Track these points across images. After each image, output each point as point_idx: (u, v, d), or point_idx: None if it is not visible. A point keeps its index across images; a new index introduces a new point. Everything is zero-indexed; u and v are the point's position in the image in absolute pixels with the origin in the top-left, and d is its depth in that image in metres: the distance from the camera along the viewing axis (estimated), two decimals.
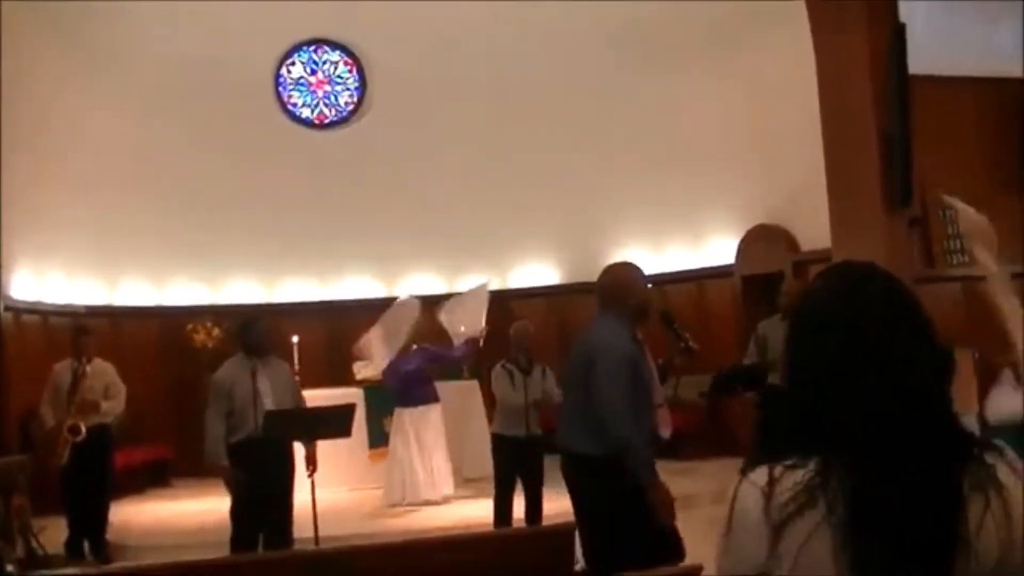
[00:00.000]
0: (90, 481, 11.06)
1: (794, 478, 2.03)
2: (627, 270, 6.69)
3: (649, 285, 6.71)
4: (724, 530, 2.12)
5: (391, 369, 13.28)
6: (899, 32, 11.12)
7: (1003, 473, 2.05)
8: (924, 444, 2.00)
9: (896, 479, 1.97)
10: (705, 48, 16.44)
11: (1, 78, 13.51)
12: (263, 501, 9.14)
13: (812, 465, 2.03)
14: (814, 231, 13.85)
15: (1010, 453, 2.12)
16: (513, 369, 10.36)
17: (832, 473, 2.01)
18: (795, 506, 2.01)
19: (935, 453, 2.00)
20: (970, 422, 3.08)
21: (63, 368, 11.26)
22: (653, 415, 6.33)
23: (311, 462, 9.35)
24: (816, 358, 2.14)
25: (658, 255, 17.71)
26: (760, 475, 2.08)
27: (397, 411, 13.19)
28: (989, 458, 2.06)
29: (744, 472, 2.12)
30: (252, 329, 9.54)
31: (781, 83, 15.17)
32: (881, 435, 2.01)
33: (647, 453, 6.17)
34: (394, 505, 13.02)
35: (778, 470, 2.06)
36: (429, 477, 13.15)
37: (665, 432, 6.45)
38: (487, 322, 13.73)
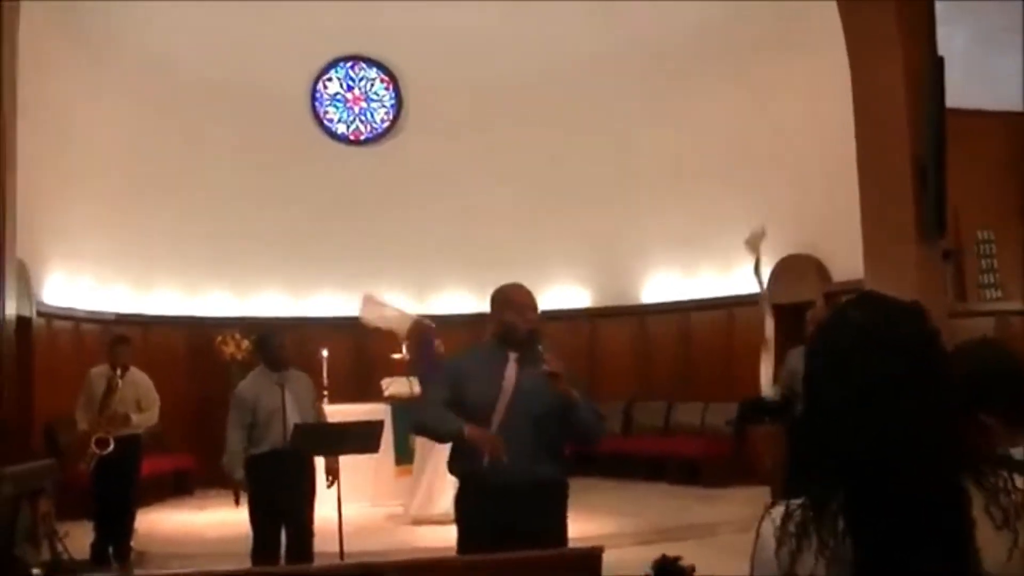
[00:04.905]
0: (118, 489, 11.08)
1: (801, 515, 2.06)
2: (497, 292, 6.37)
3: (529, 309, 6.21)
4: (750, 566, 2.15)
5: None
6: (937, 65, 11.11)
7: None
8: (926, 480, 1.98)
9: (894, 513, 1.97)
10: (742, 74, 16.46)
11: (19, 85, 13.56)
12: (283, 514, 9.17)
13: (811, 500, 2.05)
14: (846, 261, 13.82)
15: None
16: None
17: (827, 506, 2.02)
18: (796, 543, 2.03)
19: (936, 488, 1.98)
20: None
21: (99, 374, 11.25)
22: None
23: (331, 473, 9.37)
24: (828, 390, 2.13)
25: (689, 280, 17.72)
26: (778, 512, 2.11)
27: None
28: (1021, 482, 2.05)
29: (767, 509, 2.15)
30: (269, 343, 9.55)
31: (816, 111, 15.14)
32: (882, 471, 2.00)
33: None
34: (416, 522, 12.98)
35: (793, 506, 2.08)
36: (435, 494, 13.06)
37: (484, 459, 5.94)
38: None
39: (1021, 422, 3.06)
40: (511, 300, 6.20)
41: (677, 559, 3.20)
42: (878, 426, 2.02)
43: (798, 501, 2.08)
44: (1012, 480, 2.04)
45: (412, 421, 6.53)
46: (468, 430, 5.78)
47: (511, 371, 5.98)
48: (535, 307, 6.21)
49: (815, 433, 2.12)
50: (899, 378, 2.05)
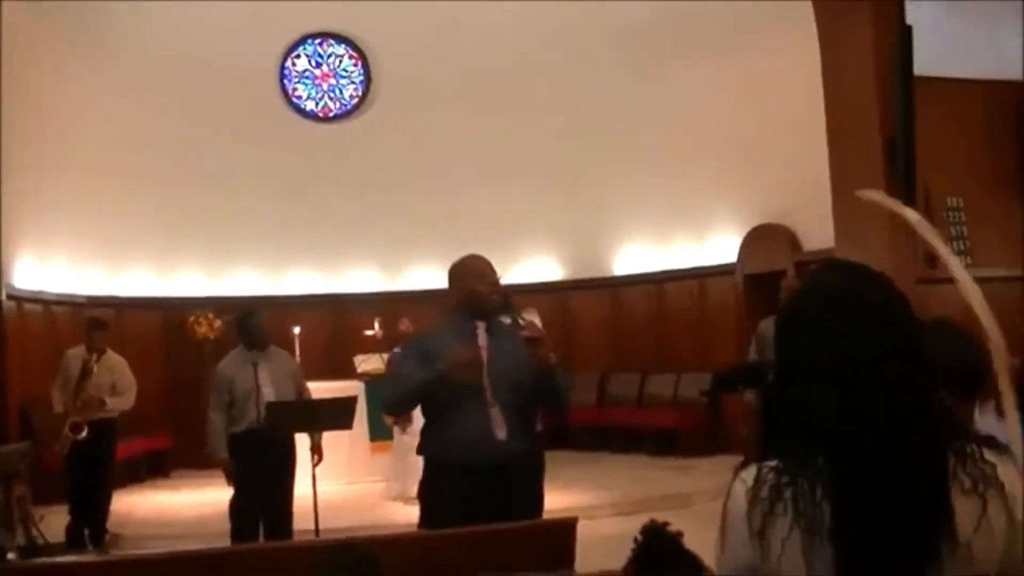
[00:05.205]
0: (92, 472, 11.04)
1: (774, 478, 2.05)
2: (454, 265, 6.16)
3: (490, 276, 6.01)
4: (719, 528, 2.15)
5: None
6: (906, 34, 11.11)
7: (1004, 472, 2.04)
8: (905, 448, 1.99)
9: (874, 481, 1.97)
10: (710, 46, 16.43)
11: (1, 67, 13.48)
12: (263, 492, 9.18)
13: (785, 465, 2.05)
14: (817, 231, 13.86)
15: (1013, 450, 2.11)
16: None
17: (802, 474, 2.02)
18: (768, 506, 2.03)
19: (916, 456, 1.99)
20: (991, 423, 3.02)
21: (75, 356, 11.21)
22: (472, 413, 5.75)
23: (316, 452, 9.39)
24: (798, 356, 2.14)
25: (661, 251, 17.74)
26: (749, 475, 2.10)
27: None
28: (990, 456, 2.05)
29: (737, 471, 2.15)
30: (248, 322, 9.59)
31: (786, 82, 15.16)
32: (860, 437, 2.00)
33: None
34: (402, 499, 12.92)
35: (764, 470, 2.07)
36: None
37: (498, 434, 5.75)
38: None
39: (973, 399, 3.12)
40: (472, 270, 6.03)
41: (665, 524, 3.22)
42: (853, 393, 2.02)
43: (770, 464, 2.07)
44: (982, 451, 2.05)
45: (384, 400, 6.31)
46: (445, 363, 5.60)
47: (483, 342, 5.85)
48: (496, 274, 6.06)
49: (787, 400, 2.12)
50: (874, 345, 2.05)
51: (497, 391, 5.75)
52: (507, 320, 5.89)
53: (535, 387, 5.78)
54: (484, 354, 5.79)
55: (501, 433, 5.74)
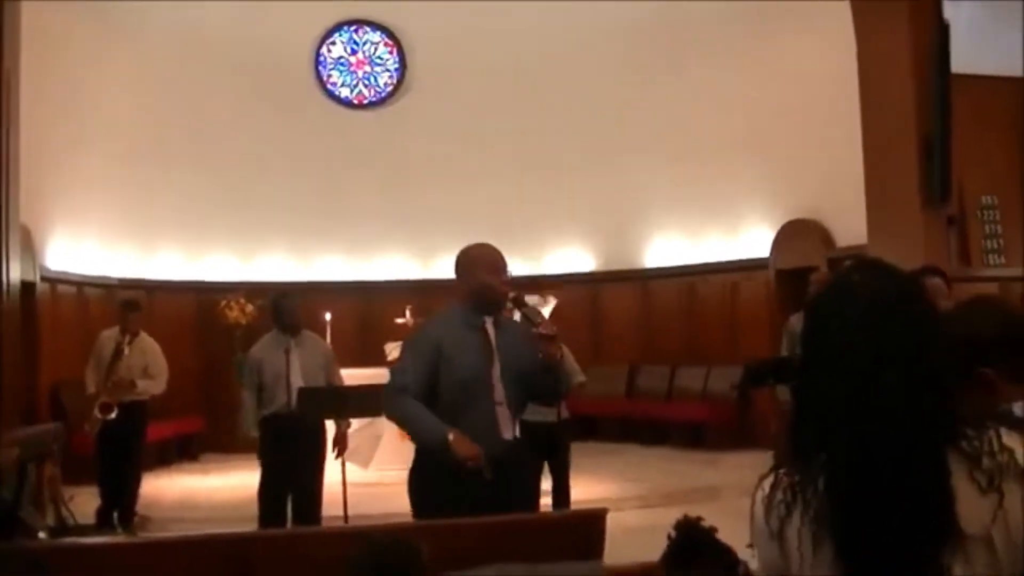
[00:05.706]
0: (121, 454, 11.10)
1: (788, 480, 2.08)
2: (465, 254, 5.84)
3: (503, 270, 5.78)
4: (749, 536, 2.19)
5: None
6: (943, 31, 11.06)
7: None
8: (912, 445, 1.99)
9: (872, 476, 1.98)
10: (745, 39, 16.41)
11: (23, 51, 13.49)
12: (289, 477, 9.23)
13: (799, 464, 2.07)
14: (850, 227, 13.81)
15: None
16: None
17: (816, 471, 2.04)
18: (784, 507, 2.06)
19: (917, 453, 1.99)
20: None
21: (108, 337, 11.26)
22: (480, 410, 5.57)
23: (339, 443, 9.43)
24: (817, 351, 2.16)
25: (693, 245, 17.70)
26: (767, 482, 2.14)
27: None
28: (1009, 441, 2.04)
29: (761, 480, 2.18)
30: (282, 305, 9.61)
31: (821, 76, 15.10)
32: (866, 432, 2.01)
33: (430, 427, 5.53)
34: None
35: (781, 474, 2.11)
36: None
37: (505, 433, 5.59)
38: None
39: (1022, 378, 3.07)
40: (483, 261, 5.76)
41: (699, 519, 3.23)
42: (866, 388, 2.04)
43: (785, 469, 2.10)
44: (1000, 440, 2.04)
45: (388, 406, 6.01)
46: (452, 437, 5.36)
47: (492, 337, 5.69)
48: (507, 266, 5.84)
49: (806, 393, 2.15)
50: (889, 343, 2.06)
51: (506, 389, 5.62)
52: (516, 315, 5.86)
53: (534, 380, 5.67)
54: (495, 352, 5.64)
55: (508, 433, 5.63)
